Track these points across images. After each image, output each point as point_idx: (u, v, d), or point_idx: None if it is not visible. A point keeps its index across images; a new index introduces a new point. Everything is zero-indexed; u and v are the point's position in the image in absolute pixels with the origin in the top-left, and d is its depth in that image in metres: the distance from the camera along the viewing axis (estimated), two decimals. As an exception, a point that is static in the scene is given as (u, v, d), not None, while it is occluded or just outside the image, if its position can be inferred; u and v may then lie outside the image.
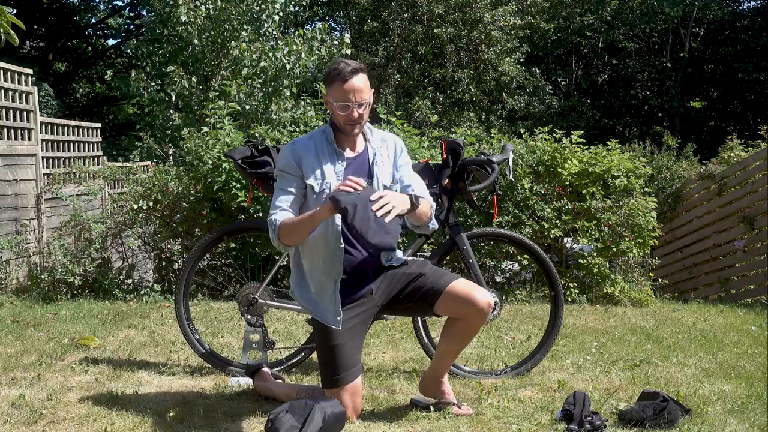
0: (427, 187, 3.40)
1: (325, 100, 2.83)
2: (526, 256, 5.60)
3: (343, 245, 2.75)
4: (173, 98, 10.19)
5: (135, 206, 5.90)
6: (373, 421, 2.75)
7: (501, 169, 3.59)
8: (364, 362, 3.63)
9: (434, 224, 2.90)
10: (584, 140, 6.24)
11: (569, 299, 5.69)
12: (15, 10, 17.87)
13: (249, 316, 3.39)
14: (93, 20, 23.23)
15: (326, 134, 2.83)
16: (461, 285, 2.77)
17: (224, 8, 10.11)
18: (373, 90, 2.82)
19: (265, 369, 3.18)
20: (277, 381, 3.14)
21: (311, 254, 2.81)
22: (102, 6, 22.97)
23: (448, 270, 3.05)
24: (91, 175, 7.28)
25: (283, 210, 2.75)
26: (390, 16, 17.71)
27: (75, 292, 5.68)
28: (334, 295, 2.76)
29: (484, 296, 2.74)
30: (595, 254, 5.82)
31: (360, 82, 2.70)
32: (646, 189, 6.26)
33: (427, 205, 2.80)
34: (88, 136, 8.18)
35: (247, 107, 9.45)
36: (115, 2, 22.69)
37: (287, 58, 9.93)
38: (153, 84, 10.78)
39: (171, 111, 10.56)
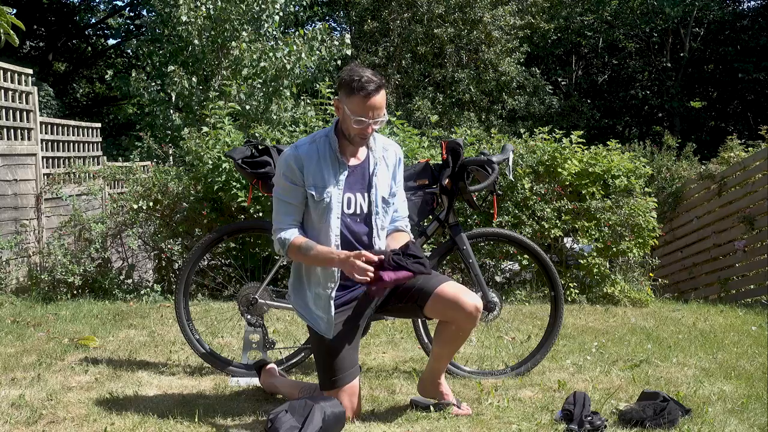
0: (426, 188, 3.40)
1: (336, 105, 2.74)
2: (526, 256, 5.60)
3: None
4: (173, 98, 10.19)
5: (135, 206, 5.90)
6: (373, 421, 2.75)
7: (501, 169, 3.59)
8: (364, 362, 3.63)
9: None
10: (584, 140, 6.24)
11: (569, 299, 5.69)
12: (15, 10, 17.86)
13: (249, 316, 3.39)
14: (93, 20, 23.25)
15: (330, 140, 2.77)
16: (449, 288, 2.71)
17: (224, 8, 10.12)
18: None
19: (272, 365, 3.18)
20: (282, 378, 3.14)
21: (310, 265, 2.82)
22: (102, 6, 23.02)
23: (440, 272, 3.02)
24: (91, 175, 7.27)
25: (290, 227, 2.75)
26: (390, 16, 17.73)
27: (75, 292, 5.68)
28: (328, 304, 2.75)
29: (471, 300, 2.68)
30: (595, 254, 5.82)
31: (381, 99, 2.66)
32: (646, 189, 6.26)
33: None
34: (88, 136, 8.18)
35: (247, 107, 9.46)
36: (115, 2, 22.74)
37: (287, 58, 9.94)
38: (153, 84, 10.78)
39: (171, 111, 10.56)
